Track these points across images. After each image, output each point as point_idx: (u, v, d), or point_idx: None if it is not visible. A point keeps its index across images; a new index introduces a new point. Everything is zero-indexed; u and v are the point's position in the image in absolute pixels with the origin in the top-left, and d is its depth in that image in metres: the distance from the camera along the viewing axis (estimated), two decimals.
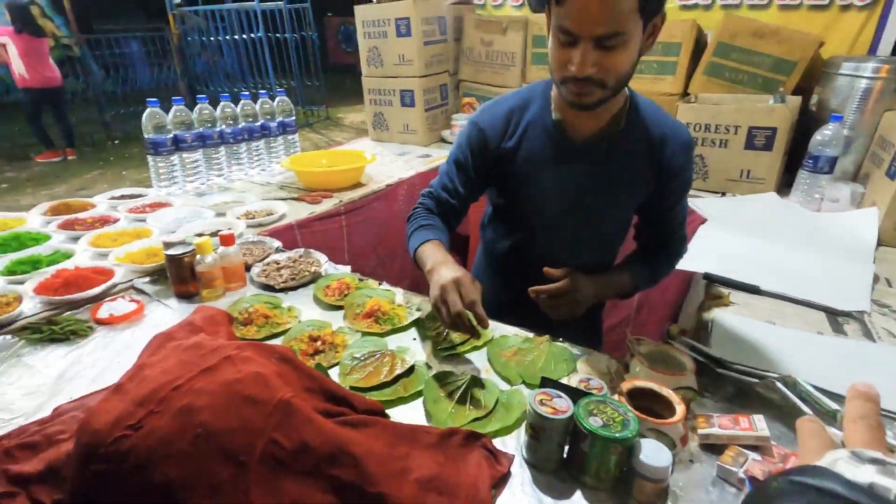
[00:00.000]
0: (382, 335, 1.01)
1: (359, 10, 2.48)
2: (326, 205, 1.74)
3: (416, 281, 2.40)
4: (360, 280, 1.21)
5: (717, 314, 1.12)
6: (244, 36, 7.10)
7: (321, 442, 0.55)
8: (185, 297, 1.14)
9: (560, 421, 0.68)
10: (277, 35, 7.02)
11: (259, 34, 6.84)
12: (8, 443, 0.70)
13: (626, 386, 0.77)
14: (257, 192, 1.86)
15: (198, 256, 1.10)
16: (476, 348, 0.98)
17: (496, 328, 1.04)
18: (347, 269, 1.28)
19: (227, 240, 1.14)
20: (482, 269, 1.30)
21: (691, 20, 2.09)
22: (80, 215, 1.50)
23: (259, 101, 2.08)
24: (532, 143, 1.06)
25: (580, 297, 1.00)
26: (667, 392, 0.77)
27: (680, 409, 0.73)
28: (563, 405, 0.69)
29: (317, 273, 1.23)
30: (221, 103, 1.95)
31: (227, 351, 0.63)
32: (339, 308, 1.11)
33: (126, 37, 8.74)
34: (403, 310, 1.10)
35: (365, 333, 1.00)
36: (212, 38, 7.53)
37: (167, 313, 1.09)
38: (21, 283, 1.11)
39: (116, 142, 6.74)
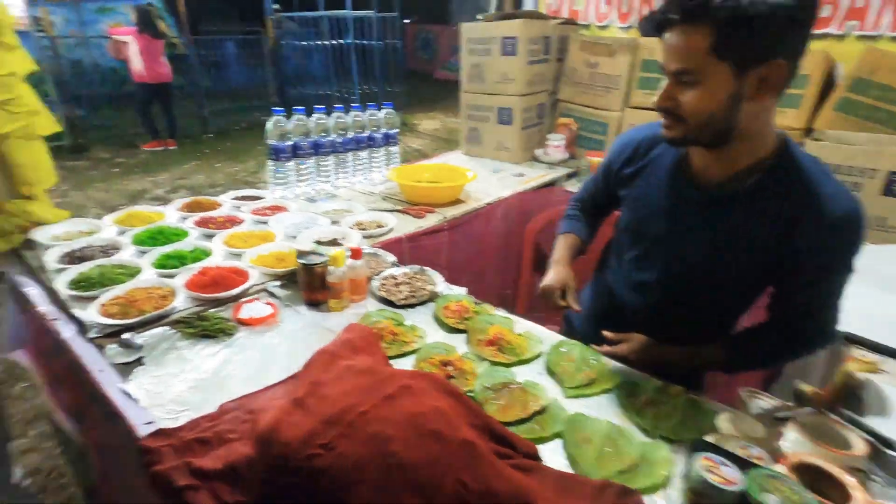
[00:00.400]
0: (508, 366, 1.01)
1: (465, 27, 2.53)
2: (430, 220, 1.77)
3: (502, 299, 2.39)
4: (476, 304, 1.22)
5: (867, 383, 1.02)
6: (334, 42, 7.45)
7: (504, 489, 0.56)
8: (314, 304, 1.19)
9: (731, 494, 0.64)
10: (364, 42, 7.31)
11: (349, 41, 7.14)
12: (186, 435, 0.76)
13: (793, 460, 0.72)
14: (361, 201, 1.92)
15: (330, 267, 1.16)
16: (606, 391, 0.95)
17: (621, 371, 1.01)
18: (462, 290, 1.29)
19: (356, 253, 1.19)
20: (592, 282, 1.33)
21: (822, 52, 1.96)
22: (211, 214, 1.62)
23: (367, 111, 2.16)
24: (651, 177, 1.07)
25: (638, 362, 1.02)
26: (837, 472, 0.71)
27: (860, 496, 0.67)
28: (731, 475, 0.66)
29: (433, 292, 1.26)
30: (335, 114, 2.04)
31: (403, 380, 0.65)
32: (460, 331, 1.12)
33: (225, 38, 9.42)
34: (524, 340, 1.09)
35: (493, 363, 1.00)
36: (304, 43, 7.94)
37: (298, 319, 1.14)
38: (172, 276, 1.21)
39: (211, 136, 7.25)
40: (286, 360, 0.99)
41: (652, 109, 0.95)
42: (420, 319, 1.16)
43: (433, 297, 1.25)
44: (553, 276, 1.16)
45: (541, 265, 2.29)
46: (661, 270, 1.06)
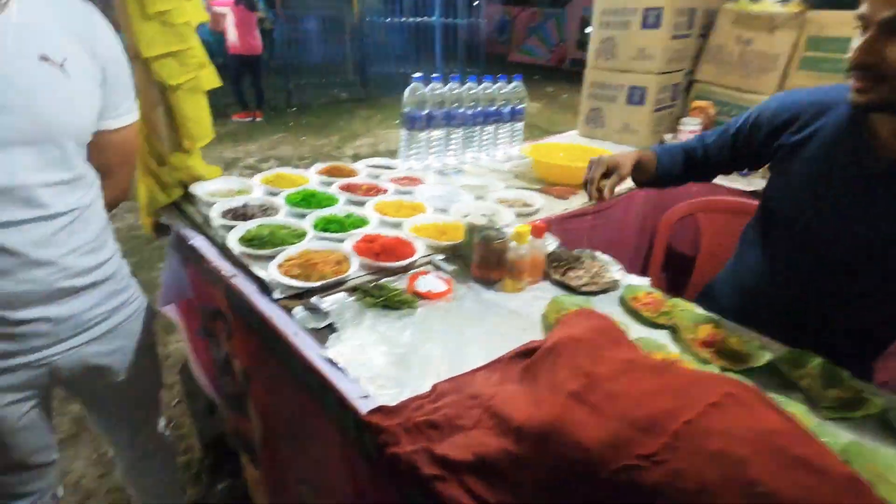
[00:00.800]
0: (738, 374, 0.86)
1: None
2: (574, 202, 1.64)
3: None
4: (667, 296, 1.08)
5: None
6: (418, 19, 7.37)
7: None
8: (485, 282, 1.10)
9: None
10: (447, 20, 7.18)
11: (434, 18, 7.04)
12: (413, 416, 0.68)
13: None
14: (491, 178, 1.82)
15: (512, 244, 1.05)
16: (869, 416, 0.79)
17: (878, 392, 0.85)
18: (645, 280, 1.15)
19: (539, 230, 1.07)
20: (727, 275, 1.23)
21: None
22: (352, 180, 1.56)
23: (497, 84, 2.04)
24: (819, 149, 0.96)
25: None
26: None
27: None
28: None
29: (614, 280, 1.13)
30: (467, 84, 1.93)
31: (721, 385, 0.53)
32: (657, 326, 0.99)
33: (309, 14, 9.55)
34: (738, 341, 0.94)
35: (723, 369, 0.86)
36: (388, 20, 7.92)
37: (475, 297, 1.05)
38: (340, 241, 1.15)
39: (294, 109, 7.42)
40: (481, 340, 0.90)
41: None
42: (608, 310, 1.04)
43: (614, 285, 1.12)
44: (610, 156, 1.17)
45: (671, 263, 2.10)
46: (830, 252, 0.97)
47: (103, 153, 1.04)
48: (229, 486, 1.84)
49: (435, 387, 0.75)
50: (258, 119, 6.69)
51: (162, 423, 1.42)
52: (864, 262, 0.94)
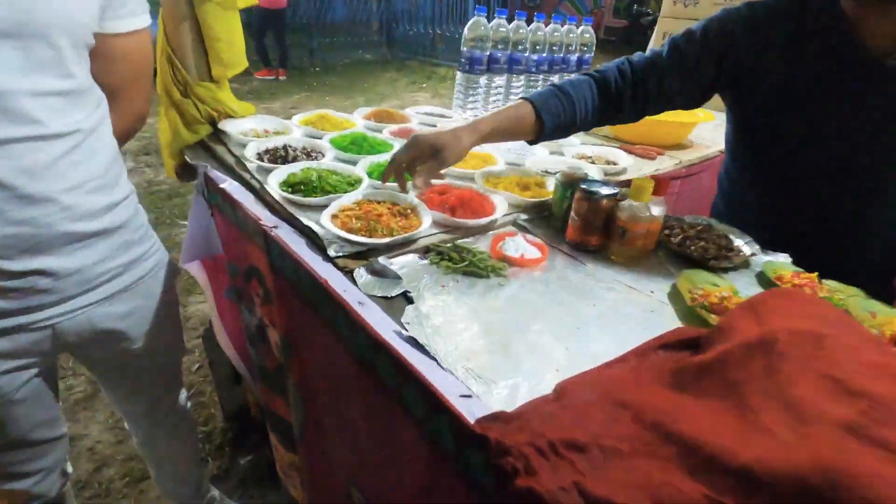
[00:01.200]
0: None
1: None
2: (663, 162, 1.39)
3: None
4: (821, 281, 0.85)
5: None
6: None
7: None
8: (584, 248, 0.88)
9: None
10: None
11: None
12: (543, 429, 0.48)
13: None
14: None
15: (626, 202, 0.83)
16: None
17: None
18: (785, 258, 0.91)
19: (664, 186, 0.84)
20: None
21: None
22: (407, 126, 1.34)
23: (566, 26, 1.77)
24: (801, 57, 0.88)
25: None
26: None
27: None
28: None
29: (749, 254, 0.90)
30: (534, 24, 1.67)
31: None
32: None
33: None
34: None
35: None
36: None
37: (573, 266, 0.83)
38: (404, 191, 0.93)
39: (317, 69, 7.12)
40: (600, 322, 0.69)
41: None
42: (748, 291, 0.81)
43: (747, 260, 0.89)
44: (434, 135, 0.81)
45: None
46: (837, 163, 0.91)
47: (111, 65, 0.83)
48: (253, 461, 1.69)
49: (561, 387, 0.54)
50: (281, 78, 6.43)
51: (183, 395, 1.25)
52: (877, 167, 0.90)
